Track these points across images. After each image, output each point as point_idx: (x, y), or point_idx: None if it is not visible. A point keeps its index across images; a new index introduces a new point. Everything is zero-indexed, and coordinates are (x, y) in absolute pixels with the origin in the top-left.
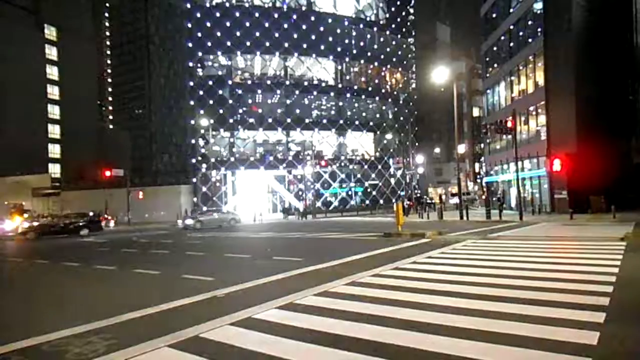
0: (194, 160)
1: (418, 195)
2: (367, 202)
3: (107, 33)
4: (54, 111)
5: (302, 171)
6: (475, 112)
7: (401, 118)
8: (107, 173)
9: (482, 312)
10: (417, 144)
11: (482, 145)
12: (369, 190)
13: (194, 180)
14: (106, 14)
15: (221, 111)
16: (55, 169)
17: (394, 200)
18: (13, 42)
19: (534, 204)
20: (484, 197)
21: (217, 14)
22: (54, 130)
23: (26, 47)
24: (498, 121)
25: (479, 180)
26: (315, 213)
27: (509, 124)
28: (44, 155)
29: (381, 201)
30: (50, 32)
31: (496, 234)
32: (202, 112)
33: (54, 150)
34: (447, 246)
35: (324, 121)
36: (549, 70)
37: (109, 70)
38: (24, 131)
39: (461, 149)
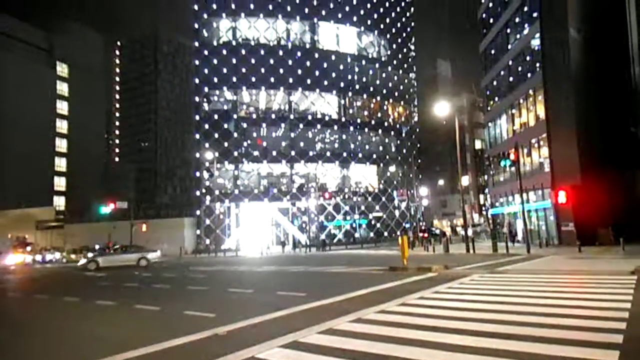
0: (198, 193)
1: (429, 227)
2: (372, 234)
3: (117, 70)
4: (61, 145)
5: (305, 203)
6: (478, 144)
7: (404, 150)
8: (112, 205)
9: (490, 351)
10: (420, 176)
11: (486, 177)
12: (373, 222)
13: (198, 212)
14: (117, 52)
15: (226, 144)
16: (60, 202)
17: (398, 233)
18: (26, 78)
19: (541, 236)
20: (489, 229)
21: (224, 52)
22: (61, 164)
23: (38, 83)
24: (501, 153)
25: (484, 212)
26: (319, 246)
27: (512, 156)
28: (50, 188)
29: (385, 233)
30: (62, 69)
31: (504, 267)
32: (207, 145)
33: (60, 183)
34: (454, 281)
35: (328, 154)
36: (549, 103)
37: (117, 105)
38: (31, 164)
39: (465, 181)
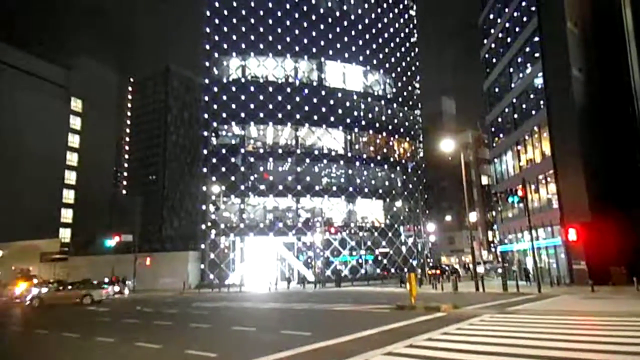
0: (203, 227)
1: (439, 264)
2: (378, 270)
3: (129, 104)
4: (70, 177)
5: (311, 238)
6: (484, 180)
7: (410, 186)
8: (116, 238)
9: None
10: (427, 211)
11: (494, 213)
12: (379, 258)
13: (203, 246)
14: (129, 87)
15: (233, 178)
16: (65, 234)
17: (405, 270)
18: (41, 113)
19: (552, 274)
20: (499, 266)
21: (233, 88)
22: (69, 196)
23: (53, 117)
24: (508, 189)
25: (493, 249)
26: (336, 282)
27: (520, 193)
28: (56, 220)
29: (392, 270)
30: (77, 104)
31: (514, 307)
32: (214, 178)
33: (67, 215)
34: (464, 321)
35: (334, 188)
36: (555, 140)
37: (127, 138)
38: (39, 196)
39: (472, 217)
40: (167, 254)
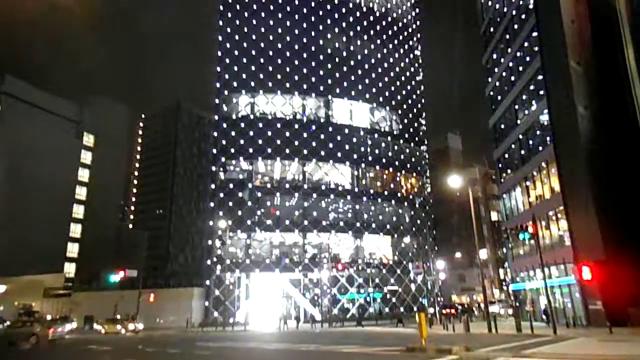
0: (209, 262)
1: (451, 303)
2: (387, 309)
3: (139, 140)
4: (78, 211)
5: (318, 275)
6: (494, 216)
7: (418, 221)
8: (121, 274)
9: None
10: (436, 248)
11: (505, 250)
12: (388, 296)
13: (208, 282)
14: (141, 123)
15: (240, 213)
16: (70, 269)
17: (415, 309)
18: (54, 147)
19: (567, 315)
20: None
21: (242, 124)
22: (76, 230)
23: (65, 152)
24: (518, 226)
25: (505, 288)
26: (357, 322)
27: (530, 229)
28: (62, 254)
29: (402, 309)
30: (89, 139)
31: (530, 350)
32: (221, 213)
33: (72, 250)
34: None
35: (341, 224)
36: (563, 176)
37: (136, 173)
38: (46, 230)
39: (483, 254)
40: (172, 290)
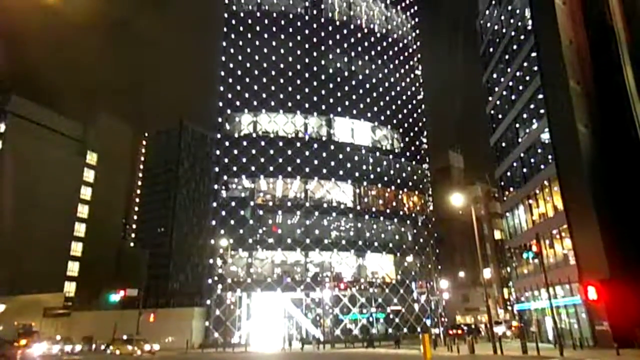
0: (210, 281)
1: (458, 323)
2: (390, 330)
3: (142, 158)
4: (80, 229)
5: (320, 294)
6: (497, 234)
7: (421, 240)
8: (121, 293)
9: None
10: (439, 267)
11: (509, 269)
12: (391, 316)
13: (208, 302)
14: (144, 142)
15: (241, 231)
16: (70, 288)
17: (419, 329)
18: (57, 166)
19: (573, 336)
20: (513, 326)
21: (244, 143)
22: (77, 248)
23: (68, 170)
24: (522, 245)
25: (509, 308)
26: (368, 343)
27: (534, 248)
28: (62, 273)
29: (405, 329)
30: (92, 157)
31: None
32: (222, 231)
33: (73, 268)
34: None
35: (343, 242)
36: (566, 194)
37: (138, 191)
38: (47, 248)
39: (487, 273)
40: (172, 310)
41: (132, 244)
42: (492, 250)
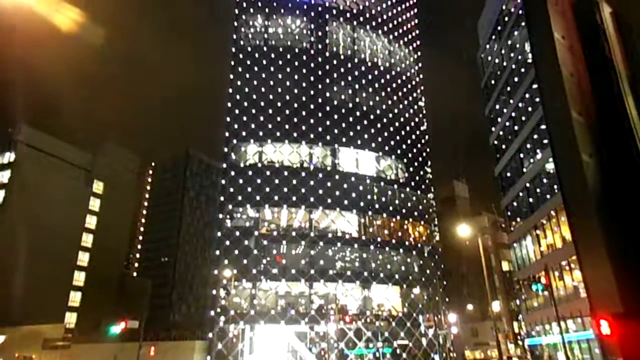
0: (212, 313)
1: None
2: None
3: (148, 187)
4: (83, 258)
5: (324, 327)
6: (505, 266)
7: (428, 271)
8: (122, 324)
9: None
10: (447, 299)
11: (518, 301)
12: (398, 351)
13: (210, 335)
14: (150, 171)
15: (245, 261)
16: (71, 319)
17: None
18: (63, 195)
19: None
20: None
21: (250, 172)
22: (79, 278)
23: (74, 199)
24: (530, 276)
25: (520, 342)
26: None
27: (543, 280)
28: (63, 303)
29: None
30: (98, 186)
31: None
32: (226, 261)
33: (75, 298)
34: None
35: (348, 273)
36: (574, 225)
37: (143, 220)
38: (49, 278)
39: (496, 306)
40: (173, 343)
41: (135, 274)
42: (501, 282)
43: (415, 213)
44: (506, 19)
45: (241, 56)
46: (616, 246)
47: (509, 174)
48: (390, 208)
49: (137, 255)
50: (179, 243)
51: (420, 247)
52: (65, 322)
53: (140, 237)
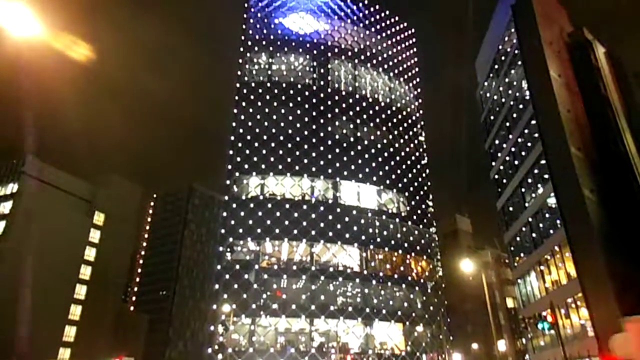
0: (209, 350)
1: None
2: None
3: (149, 219)
4: (80, 291)
5: None
6: (509, 302)
7: (431, 308)
8: None
9: None
10: (451, 337)
11: (524, 340)
12: None
13: None
14: (152, 203)
15: (245, 296)
16: (65, 354)
17: None
18: (64, 226)
19: None
20: None
21: (251, 205)
22: (76, 312)
23: (74, 230)
24: (536, 314)
25: None
26: None
27: (549, 319)
28: (58, 338)
29: None
30: (99, 218)
31: None
32: (225, 296)
33: (70, 333)
34: None
35: (350, 309)
36: (578, 261)
37: (143, 252)
38: (45, 312)
39: (501, 345)
40: None
41: (132, 307)
42: (506, 320)
43: (418, 247)
44: (503, 58)
45: (245, 91)
46: (622, 284)
47: (511, 208)
48: (392, 242)
49: (136, 289)
50: (178, 276)
51: (423, 283)
52: (58, 359)
53: (139, 270)
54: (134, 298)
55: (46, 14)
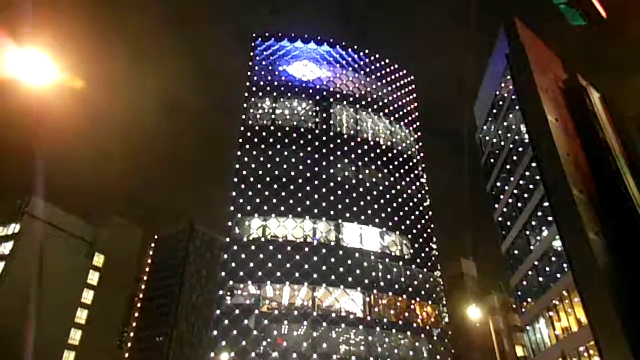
0: None
1: None
2: None
3: (149, 261)
4: (75, 336)
5: None
6: (519, 351)
7: (438, 357)
8: None
9: None
10: None
11: None
12: None
13: None
14: (153, 244)
15: (244, 343)
16: None
17: None
18: (63, 268)
19: None
20: None
21: (253, 247)
22: (69, 358)
23: (73, 272)
24: None
25: None
26: None
27: None
28: None
29: None
30: (99, 260)
31: None
32: (224, 343)
33: None
34: None
35: (353, 358)
36: (588, 307)
37: (141, 295)
38: (37, 358)
39: None
40: None
41: (127, 355)
42: None
43: (423, 292)
44: (501, 103)
45: (249, 134)
46: (636, 330)
47: (516, 252)
48: (397, 286)
49: (132, 334)
50: (176, 322)
51: (429, 330)
52: None
53: (137, 314)
54: (129, 344)
55: (57, 58)
